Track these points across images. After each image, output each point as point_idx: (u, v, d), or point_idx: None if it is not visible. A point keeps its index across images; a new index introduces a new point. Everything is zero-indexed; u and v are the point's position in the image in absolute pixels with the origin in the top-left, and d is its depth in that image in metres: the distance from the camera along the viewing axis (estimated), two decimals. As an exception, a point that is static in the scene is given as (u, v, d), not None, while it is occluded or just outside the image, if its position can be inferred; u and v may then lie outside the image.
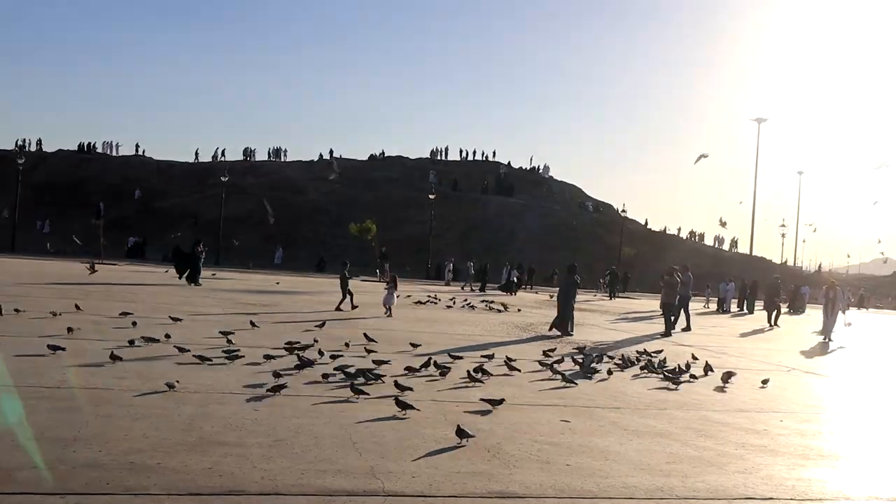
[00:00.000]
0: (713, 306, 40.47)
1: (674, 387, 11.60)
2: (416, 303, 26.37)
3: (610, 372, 12.38)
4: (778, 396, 11.58)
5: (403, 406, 8.15)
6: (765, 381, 12.52)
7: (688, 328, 23.27)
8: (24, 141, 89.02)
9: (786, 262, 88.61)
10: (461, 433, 7.12)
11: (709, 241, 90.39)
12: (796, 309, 42.58)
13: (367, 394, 8.94)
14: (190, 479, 5.48)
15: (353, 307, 21.12)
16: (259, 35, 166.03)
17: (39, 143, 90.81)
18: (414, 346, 13.60)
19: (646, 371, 12.89)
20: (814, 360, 17.90)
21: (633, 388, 11.19)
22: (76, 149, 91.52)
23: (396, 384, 9.40)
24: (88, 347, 11.09)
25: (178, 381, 8.74)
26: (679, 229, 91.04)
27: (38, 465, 5.55)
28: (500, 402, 8.79)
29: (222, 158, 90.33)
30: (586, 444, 7.47)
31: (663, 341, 18.77)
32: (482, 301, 29.49)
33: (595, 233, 76.95)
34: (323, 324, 15.94)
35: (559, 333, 18.44)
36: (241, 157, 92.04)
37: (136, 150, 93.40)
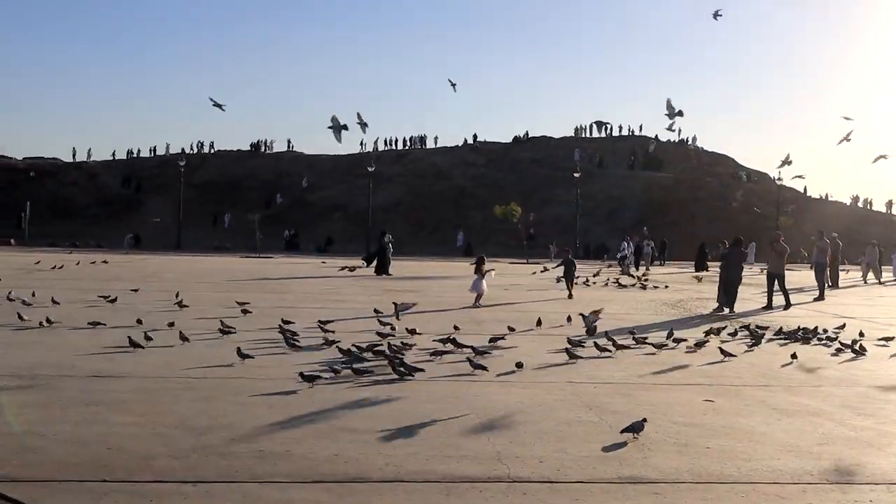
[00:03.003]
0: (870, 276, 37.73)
1: (836, 354, 10.97)
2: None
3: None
4: (950, 369, 10.67)
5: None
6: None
7: (820, 297, 21.87)
8: (199, 143, 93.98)
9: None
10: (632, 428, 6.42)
11: (878, 206, 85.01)
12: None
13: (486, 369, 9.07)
14: (314, 467, 5.50)
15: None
16: (381, 23, 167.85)
17: (200, 145, 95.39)
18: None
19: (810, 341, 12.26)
20: None
21: (781, 364, 10.55)
22: (234, 149, 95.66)
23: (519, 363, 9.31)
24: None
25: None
26: (857, 197, 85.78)
27: (174, 454, 5.71)
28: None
29: (367, 150, 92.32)
30: (730, 424, 7.05)
31: (820, 313, 17.70)
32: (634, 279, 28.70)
33: (750, 203, 73.91)
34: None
35: (726, 311, 17.61)
36: (384, 147, 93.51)
37: (289, 146, 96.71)
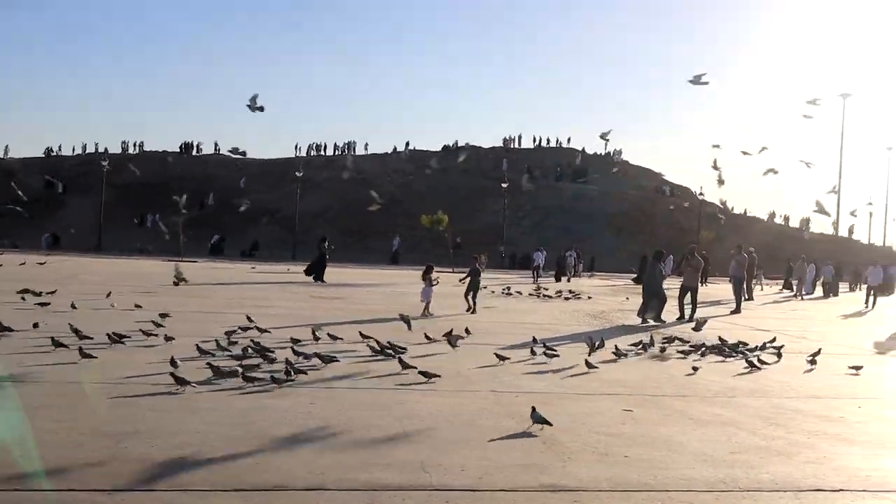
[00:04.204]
0: (771, 288, 38.86)
1: (749, 369, 11.41)
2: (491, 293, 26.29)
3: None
4: (858, 382, 11.09)
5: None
6: (856, 368, 11.78)
7: (737, 311, 22.61)
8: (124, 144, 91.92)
9: (872, 244, 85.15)
10: (539, 419, 7.04)
11: (794, 223, 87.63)
12: (883, 290, 40.91)
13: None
14: (235, 475, 5.46)
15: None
16: (330, 27, 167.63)
17: (126, 144, 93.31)
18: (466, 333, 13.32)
19: (718, 355, 12.56)
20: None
21: (702, 375, 10.83)
22: (161, 150, 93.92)
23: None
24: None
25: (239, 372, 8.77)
26: (773, 212, 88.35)
27: (89, 461, 5.60)
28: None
29: (299, 154, 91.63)
30: (648, 434, 7.23)
31: (736, 325, 18.22)
32: (556, 291, 29.09)
33: (672, 217, 75.51)
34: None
35: (648, 322, 17.99)
36: (314, 153, 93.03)
37: (215, 149, 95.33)
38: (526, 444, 6.62)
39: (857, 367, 11.79)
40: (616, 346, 12.51)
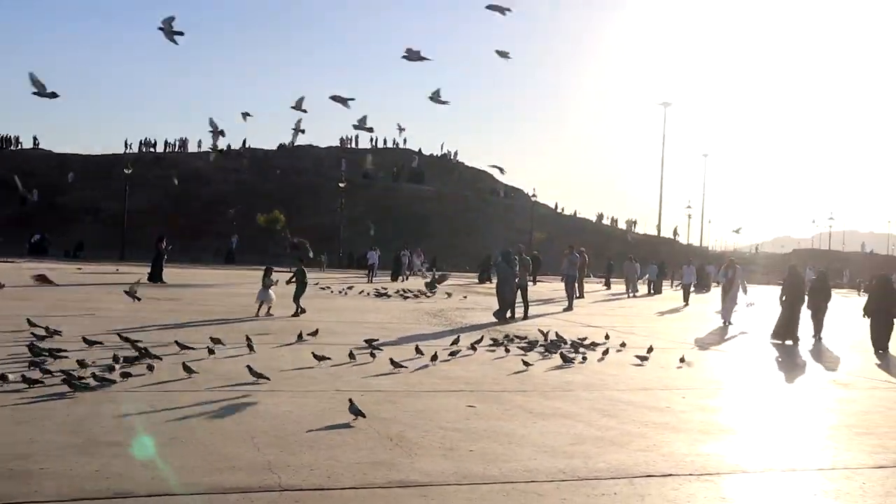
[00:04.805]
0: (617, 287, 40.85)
1: (575, 361, 12.07)
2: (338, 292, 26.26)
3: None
4: (681, 374, 11.80)
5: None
6: (682, 360, 12.68)
7: (569, 308, 23.71)
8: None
9: (689, 244, 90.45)
10: (356, 411, 7.33)
11: (621, 224, 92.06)
12: (701, 287, 43.64)
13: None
14: (76, 484, 5.22)
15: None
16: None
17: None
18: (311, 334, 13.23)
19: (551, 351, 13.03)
20: (716, 337, 18.31)
21: (539, 370, 11.22)
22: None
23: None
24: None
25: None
26: (602, 215, 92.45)
27: None
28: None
29: (127, 150, 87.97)
30: (491, 428, 7.43)
31: (571, 324, 18.96)
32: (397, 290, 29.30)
33: (506, 218, 77.57)
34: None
35: (495, 321, 18.49)
36: (144, 150, 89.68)
37: (34, 143, 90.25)
38: (374, 442, 6.66)
39: (682, 360, 12.72)
40: (456, 343, 12.79)
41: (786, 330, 17.29)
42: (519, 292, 20.43)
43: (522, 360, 11.81)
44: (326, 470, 5.79)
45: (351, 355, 10.99)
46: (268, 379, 7.49)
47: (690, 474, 6.26)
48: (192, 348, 10.98)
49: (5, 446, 5.98)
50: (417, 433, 7.03)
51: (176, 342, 11.26)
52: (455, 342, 13.08)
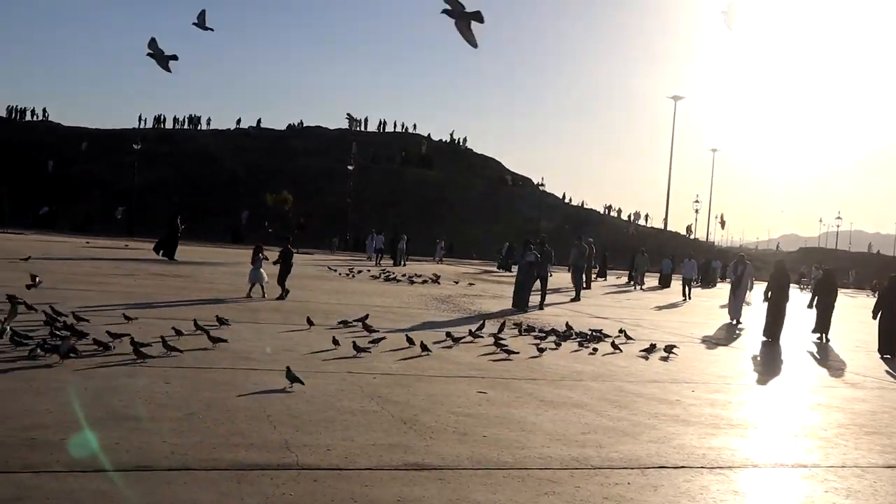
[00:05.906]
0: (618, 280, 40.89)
1: (592, 352, 12.10)
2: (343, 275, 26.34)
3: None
4: (690, 368, 11.83)
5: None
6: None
7: (577, 299, 23.74)
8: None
9: (696, 238, 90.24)
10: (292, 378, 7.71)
11: (626, 217, 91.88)
12: (707, 283, 43.63)
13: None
14: (94, 455, 5.28)
15: None
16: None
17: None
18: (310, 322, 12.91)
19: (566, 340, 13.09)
20: (723, 333, 18.33)
21: (549, 360, 11.26)
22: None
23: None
24: None
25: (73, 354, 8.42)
26: (610, 206, 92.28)
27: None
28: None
29: (138, 125, 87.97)
30: (503, 415, 7.47)
31: (579, 314, 19.00)
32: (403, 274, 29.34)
33: (514, 206, 77.47)
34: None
35: (505, 308, 18.63)
36: (153, 125, 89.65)
37: (44, 115, 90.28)
38: (388, 424, 6.71)
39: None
40: (465, 330, 12.82)
41: (773, 328, 17.13)
42: (538, 282, 20.52)
43: (537, 346, 11.89)
44: (343, 450, 5.84)
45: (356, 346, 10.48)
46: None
47: (703, 467, 6.30)
48: (207, 331, 10.69)
49: (26, 415, 6.05)
50: (431, 417, 7.08)
51: (195, 321, 11.05)
52: (480, 327, 13.02)
